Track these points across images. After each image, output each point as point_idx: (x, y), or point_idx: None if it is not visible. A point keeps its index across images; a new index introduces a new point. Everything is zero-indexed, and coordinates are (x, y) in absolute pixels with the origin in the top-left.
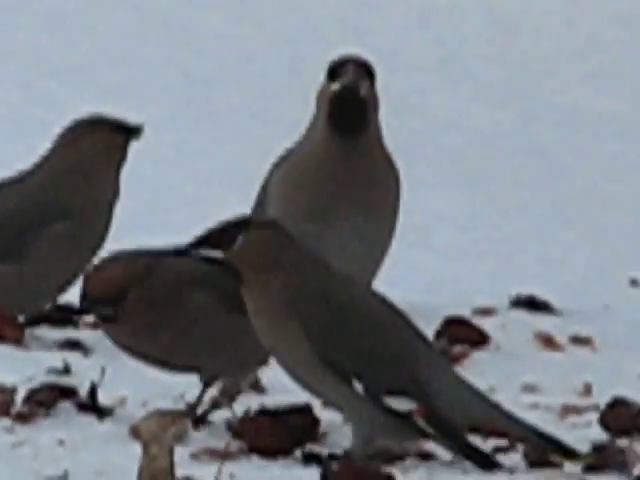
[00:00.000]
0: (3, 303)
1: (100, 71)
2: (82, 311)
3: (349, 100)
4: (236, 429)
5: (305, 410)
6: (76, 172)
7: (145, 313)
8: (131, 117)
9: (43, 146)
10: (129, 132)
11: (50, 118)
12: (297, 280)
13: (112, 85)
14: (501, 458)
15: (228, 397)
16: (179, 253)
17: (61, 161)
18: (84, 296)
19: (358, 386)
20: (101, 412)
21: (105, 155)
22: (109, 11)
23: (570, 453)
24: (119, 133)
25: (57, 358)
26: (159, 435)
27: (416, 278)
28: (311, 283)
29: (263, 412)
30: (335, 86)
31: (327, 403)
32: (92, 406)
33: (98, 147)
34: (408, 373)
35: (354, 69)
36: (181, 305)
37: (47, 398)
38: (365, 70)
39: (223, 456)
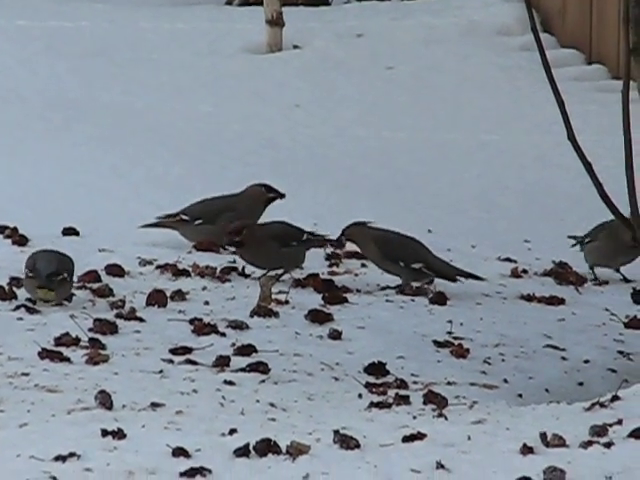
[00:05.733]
0: (208, 240)
1: None
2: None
3: None
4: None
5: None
6: (250, 200)
7: (250, 244)
8: None
9: None
10: (276, 193)
11: None
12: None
13: None
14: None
15: (285, 274)
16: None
17: (246, 195)
18: (229, 234)
19: (401, 263)
20: (245, 275)
21: (260, 201)
22: None
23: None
24: (270, 193)
25: (229, 258)
26: (266, 283)
27: None
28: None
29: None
30: None
31: (388, 272)
32: (242, 273)
33: (259, 197)
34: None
35: None
36: (262, 244)
37: (222, 272)
38: None
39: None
